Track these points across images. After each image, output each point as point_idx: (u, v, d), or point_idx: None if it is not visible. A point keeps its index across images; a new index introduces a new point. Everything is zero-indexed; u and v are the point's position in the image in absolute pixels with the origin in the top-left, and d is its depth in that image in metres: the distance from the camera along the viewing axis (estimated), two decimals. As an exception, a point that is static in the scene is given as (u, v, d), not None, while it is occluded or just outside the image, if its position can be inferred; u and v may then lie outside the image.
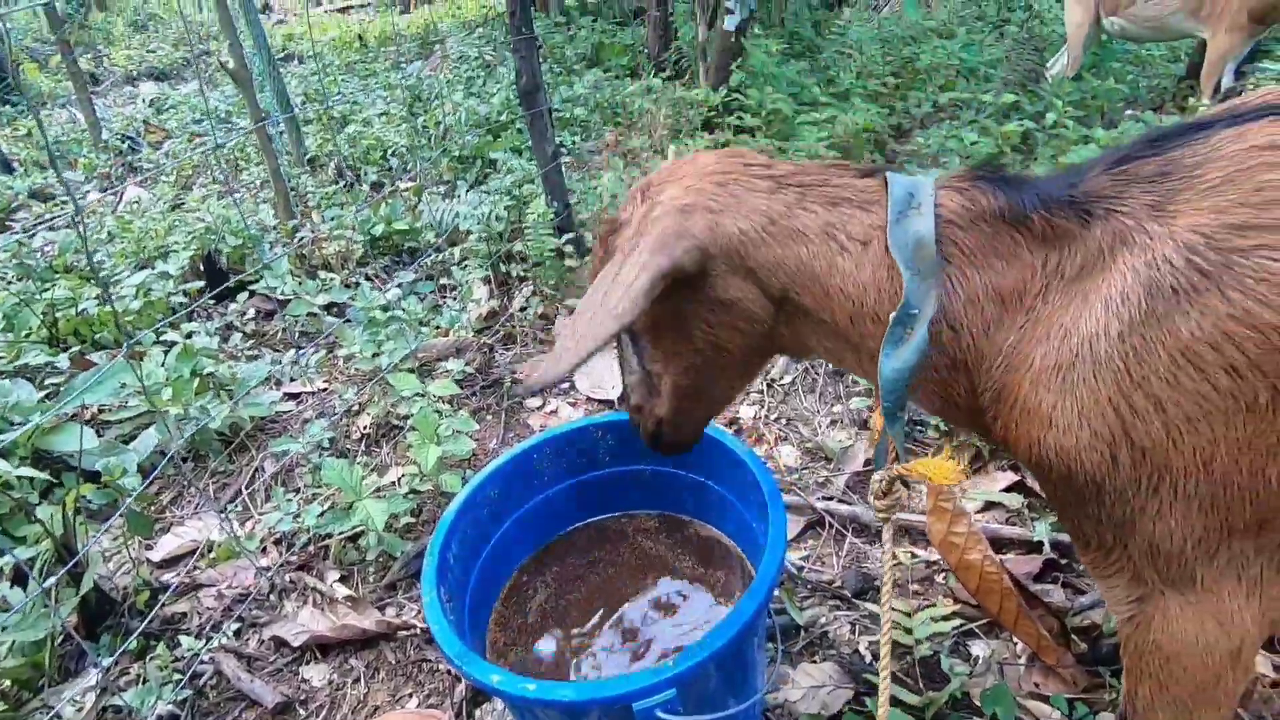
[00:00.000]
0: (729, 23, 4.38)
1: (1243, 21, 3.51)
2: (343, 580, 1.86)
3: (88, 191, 4.64)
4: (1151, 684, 0.88)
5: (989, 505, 1.81)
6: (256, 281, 3.03)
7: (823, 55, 5.34)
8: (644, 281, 0.86)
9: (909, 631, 1.49)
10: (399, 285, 3.03)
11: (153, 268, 3.10)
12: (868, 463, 2.00)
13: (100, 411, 2.40)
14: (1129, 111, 3.87)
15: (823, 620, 1.61)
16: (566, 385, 2.52)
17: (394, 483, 2.07)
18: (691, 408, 1.10)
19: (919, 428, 2.10)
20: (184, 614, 1.78)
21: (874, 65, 4.78)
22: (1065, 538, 1.66)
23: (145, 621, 1.61)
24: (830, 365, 2.40)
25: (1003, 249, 0.85)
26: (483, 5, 10.24)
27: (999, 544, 1.70)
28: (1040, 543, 1.65)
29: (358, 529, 1.87)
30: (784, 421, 2.24)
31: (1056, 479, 0.85)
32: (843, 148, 3.67)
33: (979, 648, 1.49)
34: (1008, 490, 1.83)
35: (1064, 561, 1.64)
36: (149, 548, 1.99)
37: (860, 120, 3.79)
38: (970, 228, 0.87)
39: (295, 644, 1.66)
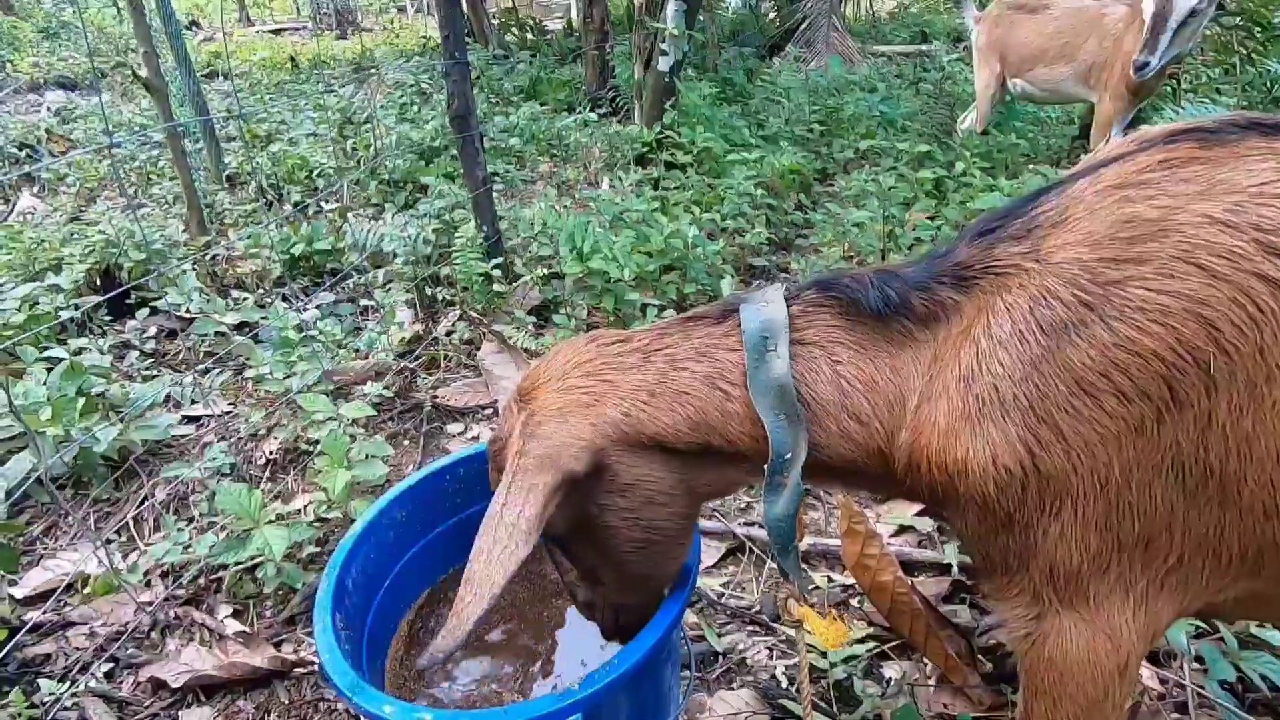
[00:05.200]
0: (663, 64, 4.52)
1: (1122, 91, 3.88)
2: (236, 615, 1.72)
3: (-25, 200, 4.30)
4: (1046, 700, 0.90)
5: (902, 529, 1.86)
6: (160, 297, 2.85)
7: (753, 101, 5.57)
8: (534, 508, 0.83)
9: (824, 655, 1.49)
10: (317, 306, 2.92)
11: (42, 280, 2.88)
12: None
13: (-34, 433, 2.18)
14: (1030, 166, 4.18)
15: (741, 646, 1.59)
16: (490, 411, 2.47)
17: (299, 510, 1.95)
18: (643, 583, 1.05)
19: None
20: (48, 655, 1.61)
21: (801, 113, 5.01)
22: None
23: (-2, 663, 1.45)
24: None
25: (893, 335, 0.88)
26: (421, 36, 10.24)
27: (910, 567, 1.74)
28: (949, 565, 1.70)
29: (255, 559, 1.75)
30: (708, 448, 2.25)
31: (973, 518, 0.86)
32: (770, 187, 3.80)
33: (891, 669, 1.50)
34: (919, 514, 1.88)
35: (971, 583, 1.69)
36: (13, 583, 1.79)
37: (787, 163, 3.94)
38: (853, 326, 0.89)
39: (175, 685, 1.52)
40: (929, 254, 0.94)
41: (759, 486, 0.95)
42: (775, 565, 1.77)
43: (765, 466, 0.89)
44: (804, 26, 7.28)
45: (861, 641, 1.53)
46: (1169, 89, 4.52)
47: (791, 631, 1.05)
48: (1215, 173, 0.77)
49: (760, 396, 0.87)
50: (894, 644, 1.54)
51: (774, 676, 1.52)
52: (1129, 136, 0.90)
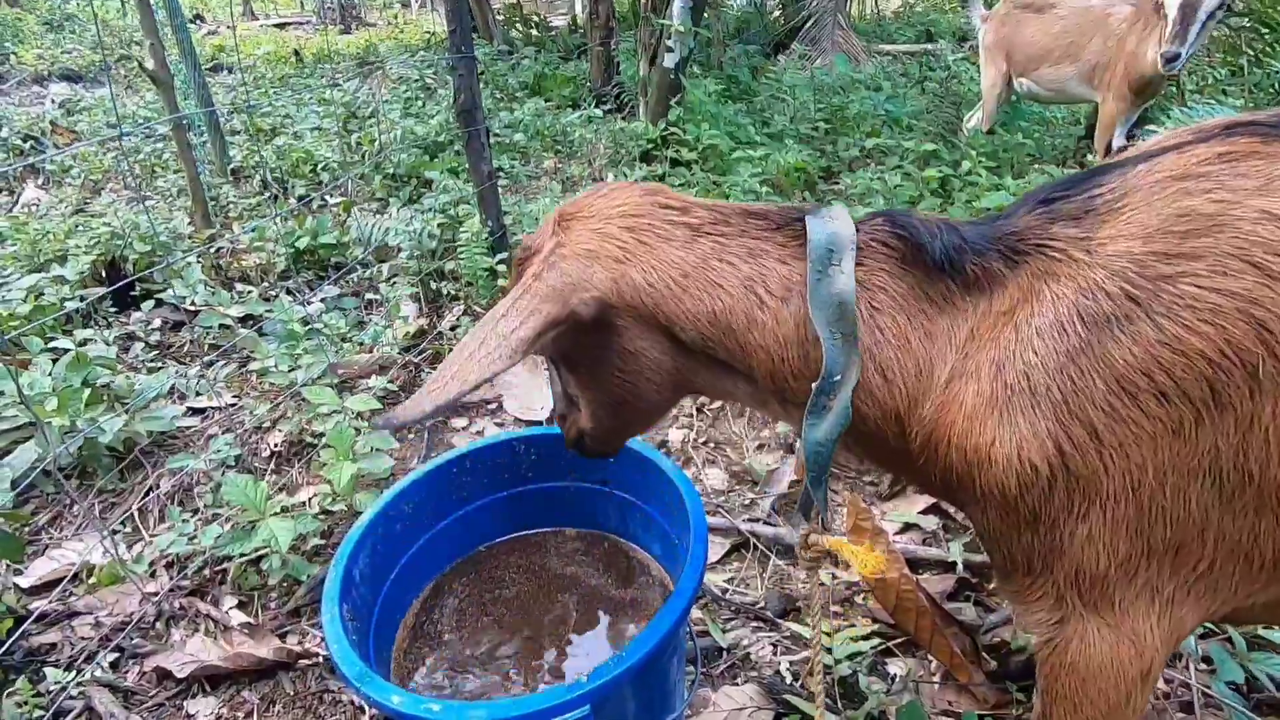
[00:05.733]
0: (668, 60, 4.51)
1: (1124, 92, 3.87)
2: (241, 606, 1.73)
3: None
4: (1066, 705, 0.89)
5: (907, 527, 1.86)
6: (164, 290, 2.85)
7: (758, 99, 5.56)
8: (527, 330, 0.84)
9: (829, 651, 1.49)
10: (322, 300, 2.92)
11: (47, 271, 2.88)
12: (792, 484, 2.02)
13: (-28, 423, 2.18)
14: (1035, 166, 4.18)
15: (745, 642, 1.59)
16: (494, 405, 2.47)
17: (304, 503, 1.95)
18: (609, 430, 1.09)
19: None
20: (53, 644, 1.61)
21: (806, 111, 5.00)
22: (978, 558, 1.71)
23: (2, 650, 1.45)
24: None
25: (935, 295, 0.85)
26: (426, 31, 10.23)
27: (915, 564, 1.73)
28: (954, 562, 1.70)
29: (260, 551, 1.75)
30: (712, 445, 2.25)
31: (994, 514, 0.84)
32: (775, 185, 3.79)
33: (896, 666, 1.50)
34: (924, 512, 1.88)
35: (975, 581, 1.69)
36: (18, 572, 1.80)
37: (793, 160, 3.94)
38: (903, 275, 0.86)
39: (180, 675, 1.52)
40: (993, 214, 0.91)
41: (754, 415, 0.93)
42: (777, 544, 1.78)
43: (814, 385, 0.84)
44: (809, 24, 7.26)
45: (866, 638, 1.53)
46: (1174, 89, 4.51)
47: (803, 573, 1.04)
48: (1274, 168, 0.74)
49: (819, 311, 0.83)
50: (899, 641, 1.54)
51: (778, 672, 1.52)
52: (1185, 127, 0.86)
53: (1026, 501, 0.80)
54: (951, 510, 1.88)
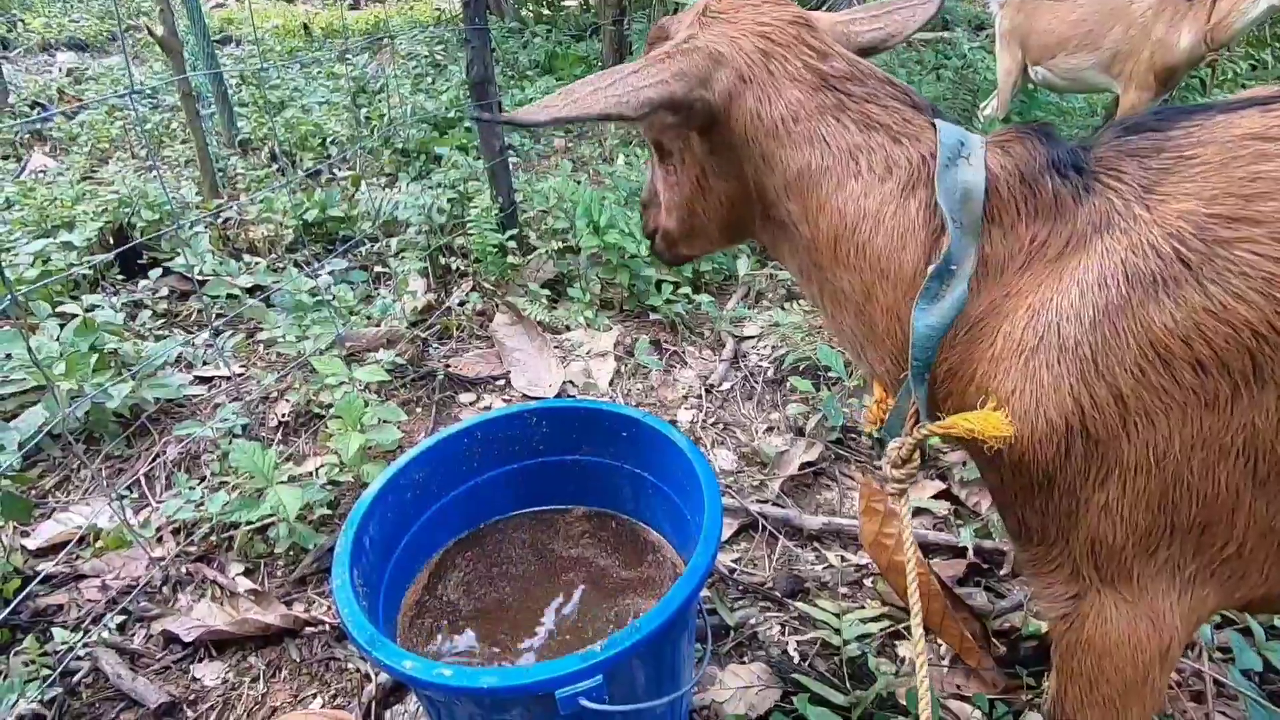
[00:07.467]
0: (683, 40, 4.44)
1: (1149, 81, 3.80)
2: (247, 574, 1.72)
3: (-13, 157, 4.28)
4: (1082, 682, 0.87)
5: (918, 511, 1.84)
6: (172, 258, 2.84)
7: (772, 82, 5.49)
8: (654, 93, 0.85)
9: (838, 632, 1.49)
10: (330, 272, 2.90)
11: (54, 237, 2.86)
12: (802, 466, 2.01)
13: (-21, 386, 2.18)
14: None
15: (753, 621, 1.59)
16: (502, 382, 2.45)
17: (311, 473, 1.94)
18: (676, 233, 1.09)
19: (852, 435, 2.13)
20: (60, 606, 1.61)
21: (820, 95, 4.93)
22: (989, 544, 1.70)
23: (9, 609, 1.45)
24: (770, 373, 2.41)
25: (1005, 218, 0.82)
26: (435, 7, 10.12)
27: (927, 548, 1.72)
28: (965, 548, 1.69)
29: (267, 519, 1.74)
30: (721, 426, 2.24)
31: (1006, 468, 0.81)
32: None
33: (906, 649, 1.50)
34: (936, 498, 1.86)
35: (986, 566, 1.68)
36: (25, 535, 1.79)
37: (805, 143, 3.89)
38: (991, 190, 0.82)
39: (187, 639, 1.52)
40: (1096, 130, 0.88)
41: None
42: (786, 525, 1.76)
43: (931, 267, 0.81)
44: (824, 8, 7.17)
45: (875, 620, 1.52)
46: (1196, 81, 4.44)
47: (893, 472, 0.94)
48: None
49: (944, 196, 0.81)
50: (909, 624, 1.53)
51: (786, 652, 1.52)
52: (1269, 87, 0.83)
53: (1040, 460, 0.77)
54: (962, 496, 1.87)
